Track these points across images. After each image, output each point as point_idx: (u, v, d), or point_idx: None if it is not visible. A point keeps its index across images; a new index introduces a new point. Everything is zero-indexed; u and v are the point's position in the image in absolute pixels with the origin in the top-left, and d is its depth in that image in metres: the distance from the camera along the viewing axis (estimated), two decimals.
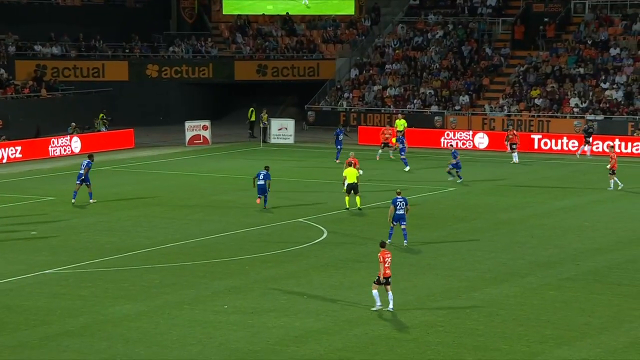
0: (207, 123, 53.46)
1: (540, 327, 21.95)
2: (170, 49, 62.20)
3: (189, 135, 52.92)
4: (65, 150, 48.92)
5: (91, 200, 35.76)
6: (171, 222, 32.99)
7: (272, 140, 53.57)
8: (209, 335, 21.41)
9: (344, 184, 34.52)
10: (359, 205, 34.39)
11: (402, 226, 29.31)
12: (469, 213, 34.67)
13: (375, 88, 59.38)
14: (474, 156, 49.09)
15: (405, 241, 29.48)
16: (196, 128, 53.15)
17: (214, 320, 22.43)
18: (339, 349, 20.72)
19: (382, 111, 57.37)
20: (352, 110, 58.24)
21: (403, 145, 44.51)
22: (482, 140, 51.86)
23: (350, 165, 35.04)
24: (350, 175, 34.32)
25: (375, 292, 22.92)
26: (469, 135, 52.04)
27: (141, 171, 44.59)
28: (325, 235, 31.07)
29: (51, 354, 20.26)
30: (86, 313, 22.90)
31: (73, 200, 35.60)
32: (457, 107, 56.49)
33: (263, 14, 66.32)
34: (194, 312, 23.03)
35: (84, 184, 35.77)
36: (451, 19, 62.48)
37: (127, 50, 61.00)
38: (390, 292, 22.88)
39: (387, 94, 58.60)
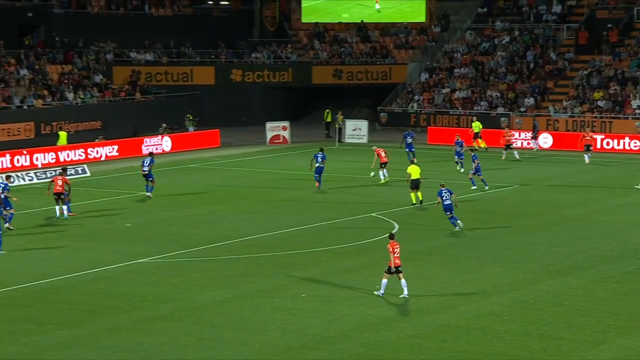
0: (286, 124, 53.71)
1: (602, 318, 21.55)
2: (253, 55, 62.60)
3: (269, 135, 53.22)
4: (157, 149, 49.59)
5: (149, 194, 36.01)
6: (253, 216, 33.19)
7: (347, 140, 53.54)
8: (289, 322, 21.49)
9: (408, 180, 34.41)
10: (420, 199, 34.34)
11: (451, 214, 29.97)
12: (534, 209, 34.19)
13: (444, 91, 58.98)
14: (538, 155, 48.44)
15: (456, 227, 29.86)
16: (276, 128, 53.42)
17: (293, 307, 22.50)
18: (409, 336, 20.62)
19: (451, 113, 56.96)
20: (422, 112, 57.91)
21: (461, 147, 42.40)
22: (546, 140, 51.16)
23: (378, 156, 37.26)
24: (414, 172, 34.27)
25: (384, 280, 22.95)
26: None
27: (226, 168, 44.95)
28: (396, 229, 30.93)
29: (145, 337, 20.54)
30: (176, 299, 23.16)
31: (149, 194, 36.02)
32: (522, 109, 55.78)
33: (339, 21, 66.33)
34: (274, 299, 23.13)
35: (148, 179, 36.18)
36: (517, 26, 61.74)
37: (213, 57, 61.60)
38: (403, 280, 22.85)
39: (456, 97, 58.18)
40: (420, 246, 28.70)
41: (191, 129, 53.44)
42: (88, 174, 42.40)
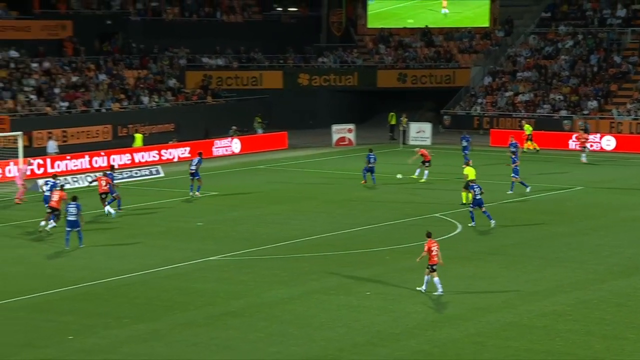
0: (352, 126, 53.75)
1: None
2: (320, 59, 62.77)
3: (335, 137, 53.33)
4: (226, 150, 50.07)
5: (197, 193, 36.23)
6: (319, 216, 33.28)
7: (411, 142, 53.35)
8: (354, 319, 21.50)
9: (465, 180, 34.22)
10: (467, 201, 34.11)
11: (483, 209, 30.23)
12: (597, 211, 33.65)
13: (507, 94, 58.39)
14: (602, 157, 47.63)
15: (492, 222, 30.11)
16: (342, 131, 53.50)
17: (358, 305, 22.51)
18: (472, 334, 20.48)
19: (514, 116, 56.35)
20: (485, 114, 57.42)
21: (517, 149, 41.37)
22: (609, 142, 50.31)
23: (422, 155, 38.26)
24: (471, 173, 34.07)
25: (427, 277, 23.09)
26: (597, 137, 50.51)
27: (293, 170, 45.16)
28: (459, 229, 30.74)
29: (216, 331, 20.74)
30: (246, 296, 23.35)
31: (197, 193, 36.11)
32: (585, 112, 54.91)
33: (404, 27, 66.12)
34: (340, 297, 23.17)
35: (195, 178, 36.40)
36: (581, 30, 60.80)
37: (281, 61, 61.94)
38: (436, 278, 22.90)
39: (519, 100, 57.54)
40: (483, 246, 28.47)
41: (260, 131, 53.81)
42: (162, 174, 42.98)
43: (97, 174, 35.87)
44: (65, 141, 47.00)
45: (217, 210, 34.53)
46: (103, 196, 32.96)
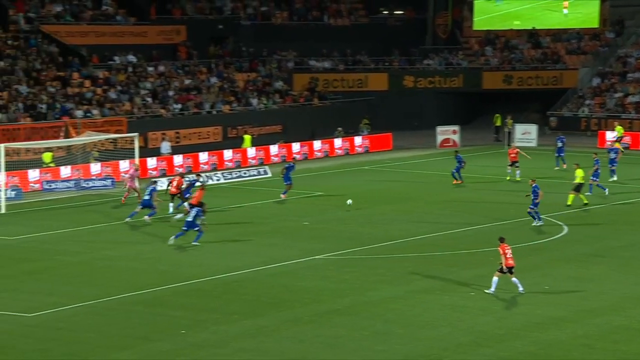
0: (456, 128, 53.26)
1: None
2: (425, 61, 62.42)
3: (440, 138, 52.95)
4: (332, 152, 50.23)
5: (282, 196, 36.12)
6: (423, 216, 33.10)
7: (516, 144, 52.44)
8: (458, 319, 21.31)
9: (576, 182, 33.45)
10: (584, 202, 33.28)
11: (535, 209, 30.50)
12: None
13: (617, 95, 56.81)
14: None
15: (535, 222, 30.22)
16: (447, 132, 53.08)
17: (462, 305, 22.30)
18: (579, 336, 20.02)
19: (622, 117, 54.80)
20: (593, 116, 56.00)
21: (616, 154, 40.27)
22: None
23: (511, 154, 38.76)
24: (579, 175, 33.33)
25: (495, 279, 22.85)
26: None
27: (398, 170, 45.04)
28: (565, 231, 30.09)
29: (322, 329, 20.87)
30: (350, 294, 23.42)
31: (283, 196, 36.14)
32: None
33: (511, 28, 65.12)
34: (444, 297, 23.00)
35: (286, 183, 36.08)
36: None
37: (387, 64, 61.88)
38: (514, 279, 22.76)
39: (628, 101, 55.91)
40: (591, 248, 27.81)
41: (365, 132, 53.87)
42: (269, 174, 43.51)
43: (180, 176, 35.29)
44: (178, 142, 48.08)
45: (323, 210, 34.72)
46: (172, 197, 32.95)
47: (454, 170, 39.70)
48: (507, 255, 22.87)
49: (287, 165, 37.03)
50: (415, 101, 60.48)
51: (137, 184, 35.53)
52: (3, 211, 34.39)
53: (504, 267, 22.80)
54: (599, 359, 18.85)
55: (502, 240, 23.33)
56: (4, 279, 25.13)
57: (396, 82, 60.91)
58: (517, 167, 40.11)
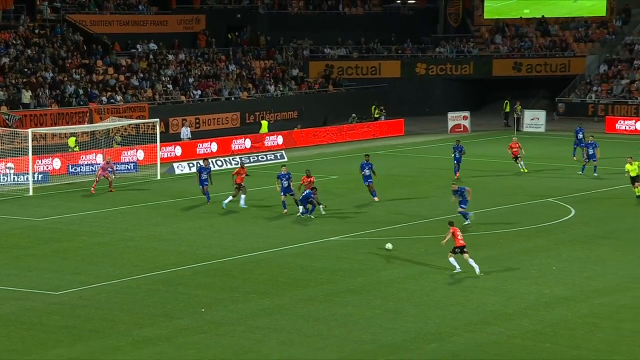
0: (466, 113, 53.09)
1: None
2: (437, 49, 62.17)
3: (450, 124, 52.83)
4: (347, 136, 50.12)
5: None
6: (434, 200, 33.04)
7: (525, 129, 52.28)
8: (467, 298, 21.30)
9: (628, 176, 32.46)
10: (637, 194, 32.44)
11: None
12: None
13: (623, 82, 56.46)
14: None
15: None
16: (457, 118, 52.94)
17: (471, 285, 22.28)
18: (585, 315, 19.98)
19: (629, 103, 54.47)
20: (600, 102, 55.68)
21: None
22: None
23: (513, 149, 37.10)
24: (632, 169, 32.25)
25: (451, 259, 22.98)
26: None
27: (410, 155, 44.96)
28: (572, 213, 29.97)
29: (336, 308, 20.91)
30: (363, 275, 23.44)
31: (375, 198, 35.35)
32: None
33: (520, 17, 64.71)
34: (453, 277, 22.96)
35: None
36: None
37: (399, 51, 61.66)
38: (470, 260, 22.76)
39: (635, 87, 55.57)
40: (596, 230, 27.69)
41: (382, 118, 53.78)
42: (285, 159, 43.50)
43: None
44: (197, 127, 48.15)
45: (339, 195, 34.69)
46: (239, 185, 31.63)
47: (455, 162, 37.28)
48: (458, 237, 22.98)
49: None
50: (427, 88, 60.29)
51: (111, 174, 34.74)
52: (31, 194, 34.58)
53: (456, 248, 22.98)
54: (605, 337, 18.80)
55: (451, 224, 23.52)
56: (32, 258, 25.31)
57: (408, 69, 60.70)
58: (520, 158, 38.15)
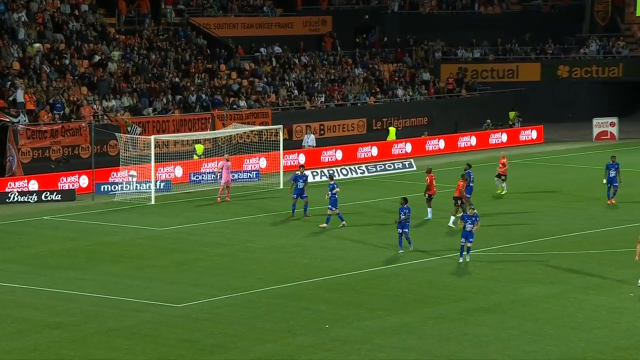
0: (614, 120, 51.46)
1: None
2: (582, 50, 60.59)
3: (596, 131, 51.35)
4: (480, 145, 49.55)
5: (322, 225, 30.87)
6: (576, 213, 32.22)
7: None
8: (615, 320, 20.63)
9: None
10: None
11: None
12: None
13: None
14: None
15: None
16: (603, 125, 51.41)
17: (619, 306, 21.57)
18: None
19: None
20: None
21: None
22: None
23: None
24: None
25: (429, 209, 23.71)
26: None
27: (549, 164, 43.96)
28: None
29: (468, 327, 20.64)
30: (498, 292, 23.06)
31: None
32: None
33: None
34: (600, 297, 22.31)
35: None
36: None
37: (540, 53, 60.44)
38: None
39: None
40: None
41: (517, 125, 52.84)
42: (414, 168, 43.30)
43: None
44: (322, 134, 48.56)
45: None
46: (459, 201, 30.22)
47: (608, 184, 33.74)
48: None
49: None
50: (570, 92, 58.82)
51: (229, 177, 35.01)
52: (152, 202, 35.70)
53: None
54: None
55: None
56: (153, 269, 26.09)
57: (549, 72, 59.40)
58: (503, 179, 35.81)
